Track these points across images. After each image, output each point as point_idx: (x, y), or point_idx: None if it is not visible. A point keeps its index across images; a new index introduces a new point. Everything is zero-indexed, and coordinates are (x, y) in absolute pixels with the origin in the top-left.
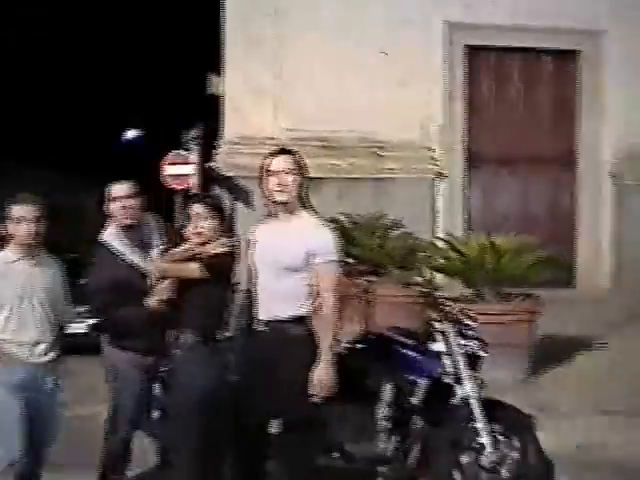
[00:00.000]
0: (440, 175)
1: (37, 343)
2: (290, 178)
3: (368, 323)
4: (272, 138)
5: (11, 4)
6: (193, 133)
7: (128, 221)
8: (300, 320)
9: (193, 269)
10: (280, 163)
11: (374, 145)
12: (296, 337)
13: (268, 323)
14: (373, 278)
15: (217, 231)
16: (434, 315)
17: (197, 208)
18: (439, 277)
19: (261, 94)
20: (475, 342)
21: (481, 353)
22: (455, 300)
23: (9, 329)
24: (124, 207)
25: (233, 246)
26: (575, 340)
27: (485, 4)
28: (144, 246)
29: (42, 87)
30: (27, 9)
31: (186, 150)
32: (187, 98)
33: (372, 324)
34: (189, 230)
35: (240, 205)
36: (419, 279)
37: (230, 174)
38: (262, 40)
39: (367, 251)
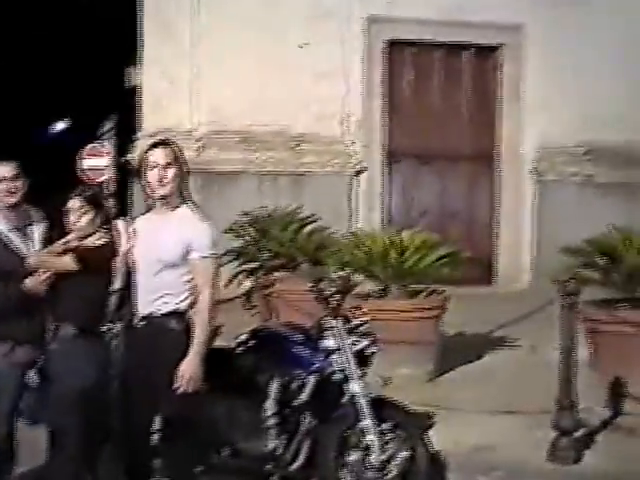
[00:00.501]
0: (358, 171)
1: None
2: (170, 171)
3: (269, 319)
4: (190, 131)
5: None
6: (108, 125)
7: (11, 200)
8: (178, 315)
9: (66, 262)
10: (159, 156)
11: (292, 139)
12: (173, 332)
13: (146, 318)
14: (284, 273)
15: (95, 225)
16: (324, 311)
17: (73, 203)
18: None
19: (178, 87)
20: (366, 339)
21: (371, 350)
22: (363, 296)
23: None
24: (6, 188)
25: (111, 239)
26: (487, 338)
27: None
28: (25, 233)
29: None
30: None
31: (102, 142)
32: (108, 91)
33: (273, 320)
34: (68, 225)
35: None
36: (340, 274)
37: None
38: (179, 32)
39: (279, 245)
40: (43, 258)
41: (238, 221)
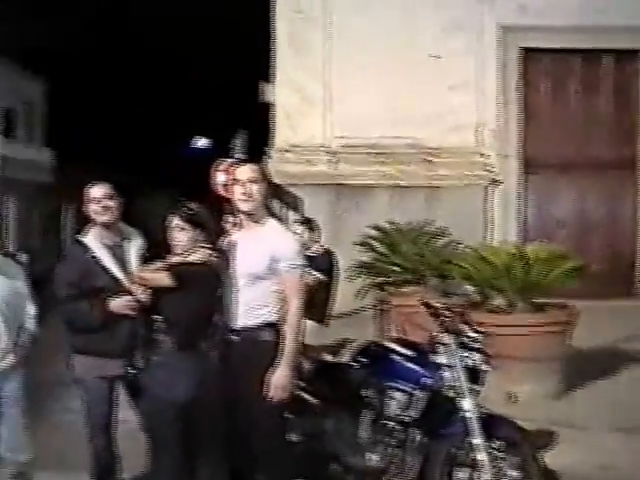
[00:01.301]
0: (494, 182)
1: None
2: (255, 187)
3: (387, 333)
4: (322, 146)
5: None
6: (240, 141)
7: (103, 218)
8: (270, 326)
9: (162, 278)
10: (245, 172)
11: (425, 152)
12: (266, 343)
13: (239, 331)
14: (412, 287)
15: (196, 243)
16: (437, 326)
17: (171, 221)
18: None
19: (311, 102)
20: (478, 355)
21: (484, 367)
22: (488, 311)
23: None
24: (101, 208)
25: (210, 256)
26: (620, 353)
27: (540, 5)
28: (118, 251)
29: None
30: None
31: (234, 158)
32: (243, 106)
33: (388, 335)
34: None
35: (290, 212)
36: (469, 288)
37: (280, 182)
38: (311, 48)
39: (407, 260)
40: (141, 274)
41: (368, 234)
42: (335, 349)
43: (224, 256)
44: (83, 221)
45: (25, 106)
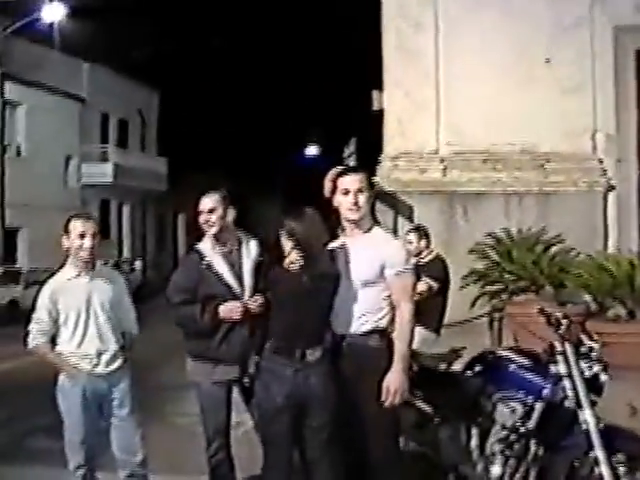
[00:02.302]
0: (610, 188)
1: (100, 354)
2: (363, 196)
3: (502, 342)
4: (434, 152)
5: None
6: (351, 149)
7: (211, 230)
8: (379, 332)
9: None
10: (353, 182)
11: (539, 157)
12: (376, 350)
13: (347, 338)
14: (527, 296)
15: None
16: (554, 335)
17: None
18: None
19: (422, 108)
20: (597, 365)
21: (603, 377)
22: (608, 320)
23: (73, 342)
24: (210, 220)
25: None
26: None
27: None
28: (232, 258)
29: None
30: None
31: (346, 166)
32: (355, 114)
33: (504, 344)
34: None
35: (402, 220)
36: (587, 297)
37: (391, 189)
38: (420, 53)
39: (522, 268)
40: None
41: (481, 242)
42: (448, 357)
43: (335, 262)
44: (196, 228)
45: (139, 116)
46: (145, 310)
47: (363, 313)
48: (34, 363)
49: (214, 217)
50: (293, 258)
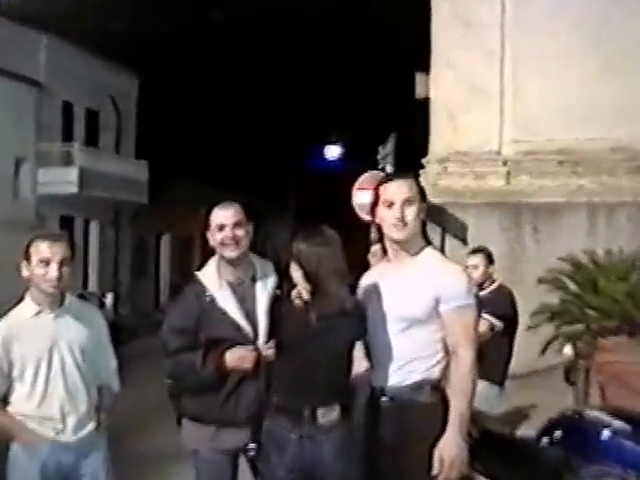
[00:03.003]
0: None
1: (66, 417)
2: (411, 210)
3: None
4: (497, 153)
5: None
6: (388, 148)
7: (233, 253)
8: (431, 384)
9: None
10: (399, 191)
11: (635, 157)
12: (426, 407)
13: (389, 391)
14: (618, 338)
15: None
16: None
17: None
18: None
19: (482, 96)
20: None
21: None
22: None
23: (32, 401)
24: (229, 239)
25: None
26: None
27: None
28: (244, 291)
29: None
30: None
31: (381, 170)
32: (390, 104)
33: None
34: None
35: (452, 240)
36: None
37: (438, 200)
38: (483, 28)
39: (612, 301)
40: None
41: (557, 269)
42: (517, 419)
43: (369, 297)
44: (187, 252)
45: (113, 107)
46: (118, 357)
47: (409, 360)
48: None
49: (241, 232)
50: (298, 290)
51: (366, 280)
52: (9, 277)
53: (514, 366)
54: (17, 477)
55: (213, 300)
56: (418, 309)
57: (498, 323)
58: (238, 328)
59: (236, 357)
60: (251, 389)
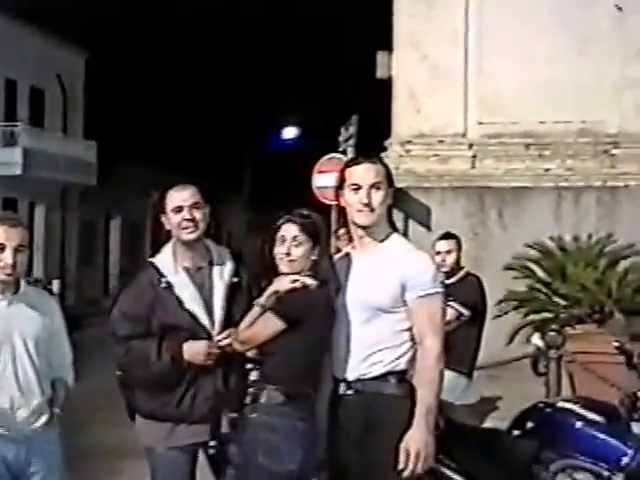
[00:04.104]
0: None
1: (17, 409)
2: (378, 195)
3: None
4: (462, 135)
5: None
6: (351, 130)
7: (191, 235)
8: (397, 375)
9: (275, 325)
10: (366, 175)
11: (602, 140)
12: (393, 398)
13: (354, 383)
14: (587, 326)
15: (308, 263)
16: (637, 381)
17: (288, 229)
18: None
19: (445, 76)
20: None
21: None
22: None
23: None
24: (187, 221)
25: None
26: None
27: None
28: (201, 278)
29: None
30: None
31: (342, 153)
32: (349, 85)
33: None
34: (278, 256)
35: (416, 226)
36: None
37: (402, 184)
38: (447, 6)
39: (581, 289)
40: (244, 335)
41: (523, 255)
42: (486, 410)
43: (333, 283)
44: (137, 236)
45: (59, 85)
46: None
47: (374, 351)
48: None
49: (199, 214)
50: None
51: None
52: None
53: (486, 354)
54: None
55: (170, 286)
56: (383, 297)
57: (466, 312)
58: (195, 317)
59: (196, 352)
60: (209, 383)
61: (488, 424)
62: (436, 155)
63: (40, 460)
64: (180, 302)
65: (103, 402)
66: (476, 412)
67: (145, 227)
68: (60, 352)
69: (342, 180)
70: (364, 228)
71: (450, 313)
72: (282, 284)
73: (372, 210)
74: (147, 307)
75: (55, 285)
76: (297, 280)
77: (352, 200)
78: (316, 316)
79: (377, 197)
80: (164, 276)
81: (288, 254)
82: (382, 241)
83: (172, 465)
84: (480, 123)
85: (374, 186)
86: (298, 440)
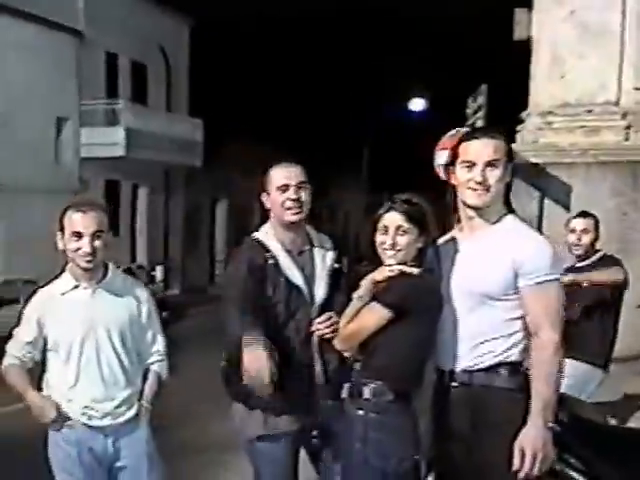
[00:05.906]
0: None
1: (105, 401)
2: (495, 173)
3: None
4: (615, 104)
5: None
6: (479, 101)
7: (296, 217)
8: (510, 368)
9: (382, 314)
10: (482, 150)
11: None
12: (504, 393)
13: (461, 375)
14: None
15: (413, 252)
16: None
17: (394, 220)
18: None
19: (599, 37)
20: None
21: None
22: None
23: (66, 383)
24: (293, 199)
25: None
26: None
27: None
28: (302, 263)
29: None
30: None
31: (470, 127)
32: (486, 48)
33: None
34: (381, 247)
35: (552, 205)
36: None
37: (539, 160)
38: None
39: None
40: (349, 328)
41: None
42: (620, 407)
43: (440, 269)
44: (246, 220)
45: (163, 58)
46: (168, 337)
47: (483, 340)
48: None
49: (305, 195)
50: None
51: (434, 252)
52: (51, 249)
53: (621, 348)
54: (58, 462)
55: (277, 264)
56: (493, 285)
57: (621, 276)
58: (302, 293)
59: (254, 357)
60: (308, 372)
61: (631, 425)
62: (583, 126)
63: (127, 454)
64: (288, 279)
65: (203, 395)
66: (616, 411)
67: (254, 211)
68: (150, 342)
69: (455, 156)
70: (476, 209)
71: (608, 273)
72: (382, 274)
73: (487, 189)
74: (253, 283)
75: (159, 272)
76: (399, 269)
77: (464, 178)
78: (424, 306)
79: (494, 175)
80: (273, 255)
81: (393, 244)
82: (494, 223)
83: (273, 455)
84: (636, 89)
85: (490, 164)
86: (410, 439)
